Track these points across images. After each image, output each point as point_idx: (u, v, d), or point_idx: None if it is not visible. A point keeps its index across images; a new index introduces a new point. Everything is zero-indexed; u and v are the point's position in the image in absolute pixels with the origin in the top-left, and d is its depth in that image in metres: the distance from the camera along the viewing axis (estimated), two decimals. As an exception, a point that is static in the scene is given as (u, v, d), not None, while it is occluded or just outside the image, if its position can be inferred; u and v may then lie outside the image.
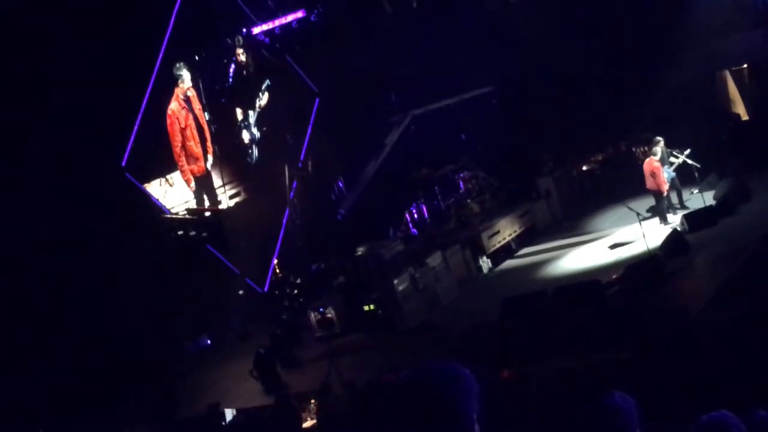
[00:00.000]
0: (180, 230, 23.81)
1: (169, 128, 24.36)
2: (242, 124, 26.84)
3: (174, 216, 24.28)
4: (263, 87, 27.07)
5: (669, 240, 19.65)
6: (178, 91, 24.47)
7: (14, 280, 20.90)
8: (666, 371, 12.60)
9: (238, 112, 26.84)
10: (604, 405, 4.83)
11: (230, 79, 26.69)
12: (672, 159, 22.44)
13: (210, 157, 25.46)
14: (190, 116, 24.74)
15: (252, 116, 26.84)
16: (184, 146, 24.64)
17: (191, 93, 24.89)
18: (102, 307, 21.74)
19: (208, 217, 24.53)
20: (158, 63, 24.39)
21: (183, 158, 24.69)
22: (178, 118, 24.40)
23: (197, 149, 24.96)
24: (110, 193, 22.84)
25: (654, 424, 5.19)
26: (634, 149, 24.70)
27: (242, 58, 26.85)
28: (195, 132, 24.91)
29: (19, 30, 21.15)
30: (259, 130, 26.97)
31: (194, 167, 25.01)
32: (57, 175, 21.59)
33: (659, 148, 22.04)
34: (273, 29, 26.98)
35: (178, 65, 24.57)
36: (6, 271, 20.70)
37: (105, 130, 22.80)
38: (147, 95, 24.08)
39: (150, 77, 24.29)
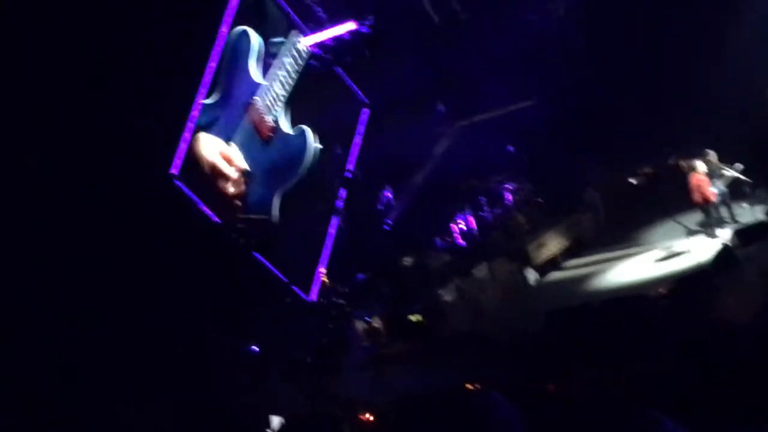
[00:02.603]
0: (228, 238, 23.95)
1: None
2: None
3: (223, 224, 24.34)
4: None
5: (718, 255, 19.51)
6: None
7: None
8: (713, 387, 12.53)
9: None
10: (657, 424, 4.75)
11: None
12: (724, 172, 22.26)
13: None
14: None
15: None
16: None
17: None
18: (147, 316, 21.82)
19: (255, 224, 24.62)
20: (207, 72, 24.49)
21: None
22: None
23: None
24: (160, 201, 23.00)
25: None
26: (681, 163, 24.57)
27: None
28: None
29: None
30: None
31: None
32: (106, 180, 21.73)
33: (702, 162, 21.91)
34: (323, 40, 27.05)
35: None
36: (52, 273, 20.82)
37: (156, 138, 22.98)
38: (196, 104, 24.19)
39: (198, 86, 24.39)
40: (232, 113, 25.15)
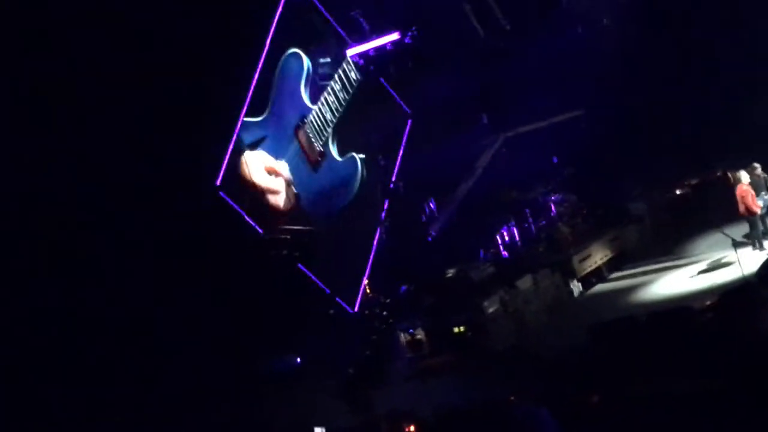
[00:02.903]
0: (273, 249, 24.02)
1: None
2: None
3: (267, 236, 24.40)
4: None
5: (764, 266, 19.32)
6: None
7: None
8: (760, 401, 12.41)
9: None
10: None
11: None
12: (770, 185, 22.06)
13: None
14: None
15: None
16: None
17: None
18: (190, 326, 21.89)
19: (300, 236, 24.69)
20: (252, 86, 24.60)
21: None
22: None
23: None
24: (203, 213, 23.11)
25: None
26: (727, 174, 24.36)
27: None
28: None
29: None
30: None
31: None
32: (150, 191, 21.85)
33: (747, 174, 21.72)
34: (367, 51, 27.14)
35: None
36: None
37: (200, 149, 23.12)
38: (242, 116, 24.31)
39: (245, 98, 24.50)
40: (281, 134, 25.30)
